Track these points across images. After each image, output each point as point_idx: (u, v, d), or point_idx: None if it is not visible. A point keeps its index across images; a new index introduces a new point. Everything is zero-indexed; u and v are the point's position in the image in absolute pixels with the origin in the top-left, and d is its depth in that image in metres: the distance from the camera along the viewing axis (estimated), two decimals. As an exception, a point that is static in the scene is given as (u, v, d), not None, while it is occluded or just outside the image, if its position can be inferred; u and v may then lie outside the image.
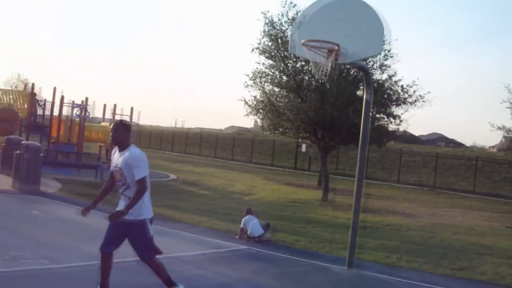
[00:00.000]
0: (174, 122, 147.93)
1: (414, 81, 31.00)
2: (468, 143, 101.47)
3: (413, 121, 70.78)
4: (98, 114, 48.26)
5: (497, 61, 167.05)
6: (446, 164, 51.32)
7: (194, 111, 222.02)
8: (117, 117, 41.90)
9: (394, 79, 30.93)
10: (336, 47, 12.80)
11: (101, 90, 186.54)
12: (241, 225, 17.08)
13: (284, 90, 31.78)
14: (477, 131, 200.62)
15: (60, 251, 12.74)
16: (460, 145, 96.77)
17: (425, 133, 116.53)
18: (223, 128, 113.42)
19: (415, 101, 31.00)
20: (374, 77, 30.02)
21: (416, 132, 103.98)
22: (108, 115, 42.22)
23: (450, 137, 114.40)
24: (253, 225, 16.89)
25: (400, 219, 25.05)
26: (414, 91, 30.91)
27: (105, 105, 42.89)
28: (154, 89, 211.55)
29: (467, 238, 21.01)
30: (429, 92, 31.28)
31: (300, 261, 14.74)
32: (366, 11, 13.07)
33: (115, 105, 41.75)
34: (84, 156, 38.13)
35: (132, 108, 42.39)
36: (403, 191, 42.56)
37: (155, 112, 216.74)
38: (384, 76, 31.05)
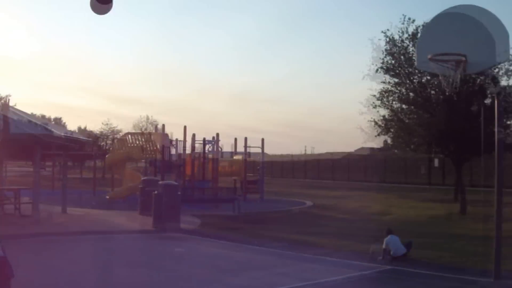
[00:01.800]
0: (304, 149, 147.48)
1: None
2: None
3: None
4: (227, 147, 48.93)
5: None
6: None
7: (322, 136, 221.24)
8: (249, 150, 42.48)
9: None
10: (463, 58, 12.70)
11: (223, 124, 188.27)
12: (383, 246, 16.99)
13: (413, 107, 31.50)
14: None
15: (207, 285, 12.97)
16: None
17: None
18: (353, 151, 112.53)
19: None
20: (501, 83, 29.47)
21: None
22: (240, 148, 42.78)
23: None
24: (395, 244, 16.80)
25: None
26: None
27: (236, 139, 43.55)
28: (278, 117, 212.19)
29: None
30: None
31: (446, 277, 14.55)
32: (488, 18, 12.93)
33: (246, 138, 42.26)
34: (220, 190, 38.66)
35: (263, 140, 42.83)
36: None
37: (283, 140, 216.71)
38: (511, 82, 30.40)
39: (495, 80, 15.24)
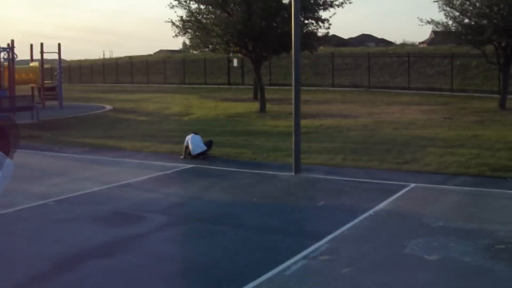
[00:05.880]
0: (102, 53, 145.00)
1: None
2: (398, 41, 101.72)
3: (342, 24, 70.55)
4: (24, 55, 47.22)
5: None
6: (378, 63, 51.40)
7: (121, 40, 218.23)
8: (46, 56, 41.08)
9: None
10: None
11: (19, 31, 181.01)
12: (185, 144, 17.12)
13: (210, 7, 31.28)
14: (405, 28, 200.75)
15: (9, 196, 12.48)
16: (390, 43, 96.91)
17: (354, 35, 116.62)
18: (152, 53, 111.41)
19: (342, 3, 30.88)
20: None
21: (345, 35, 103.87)
22: (36, 55, 41.31)
23: (379, 37, 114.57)
24: (195, 142, 16.93)
25: (340, 121, 25.29)
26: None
27: (31, 45, 42.02)
28: (73, 22, 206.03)
29: (408, 132, 21.32)
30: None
31: (247, 173, 14.84)
32: None
33: (42, 44, 40.65)
34: (18, 98, 37.34)
35: (59, 45, 41.44)
36: (339, 94, 42.71)
37: (80, 45, 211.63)
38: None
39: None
